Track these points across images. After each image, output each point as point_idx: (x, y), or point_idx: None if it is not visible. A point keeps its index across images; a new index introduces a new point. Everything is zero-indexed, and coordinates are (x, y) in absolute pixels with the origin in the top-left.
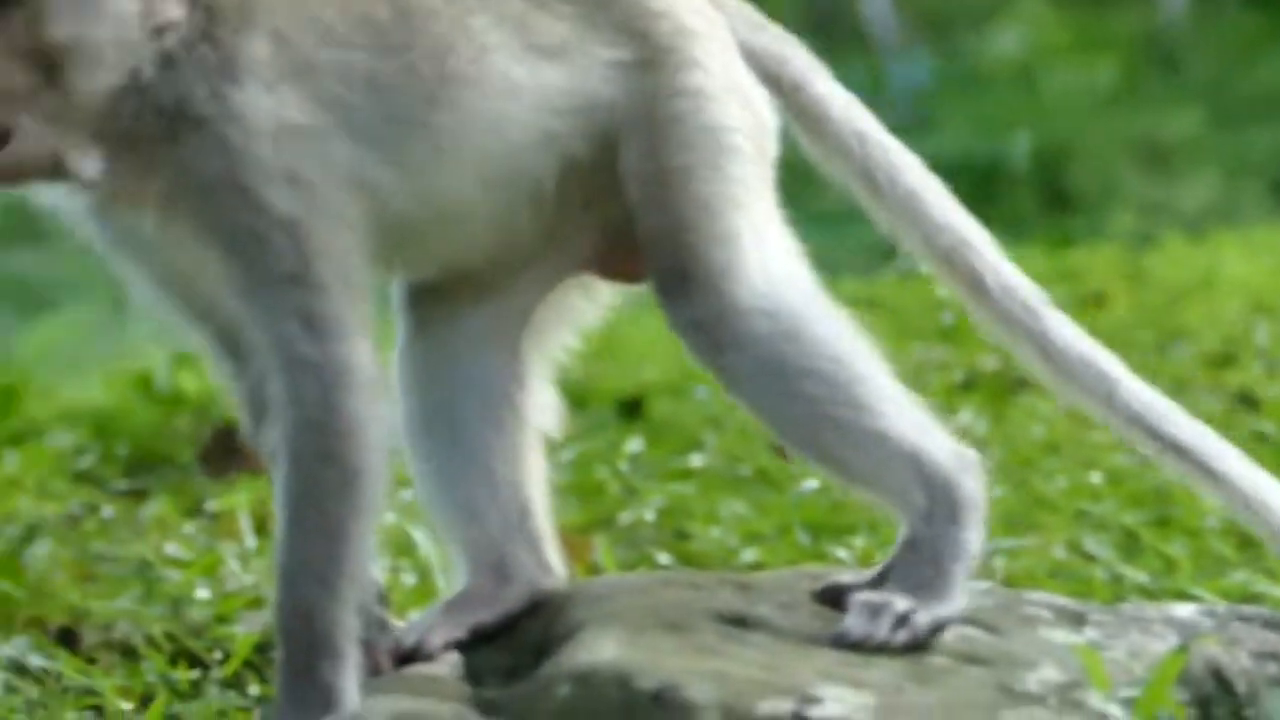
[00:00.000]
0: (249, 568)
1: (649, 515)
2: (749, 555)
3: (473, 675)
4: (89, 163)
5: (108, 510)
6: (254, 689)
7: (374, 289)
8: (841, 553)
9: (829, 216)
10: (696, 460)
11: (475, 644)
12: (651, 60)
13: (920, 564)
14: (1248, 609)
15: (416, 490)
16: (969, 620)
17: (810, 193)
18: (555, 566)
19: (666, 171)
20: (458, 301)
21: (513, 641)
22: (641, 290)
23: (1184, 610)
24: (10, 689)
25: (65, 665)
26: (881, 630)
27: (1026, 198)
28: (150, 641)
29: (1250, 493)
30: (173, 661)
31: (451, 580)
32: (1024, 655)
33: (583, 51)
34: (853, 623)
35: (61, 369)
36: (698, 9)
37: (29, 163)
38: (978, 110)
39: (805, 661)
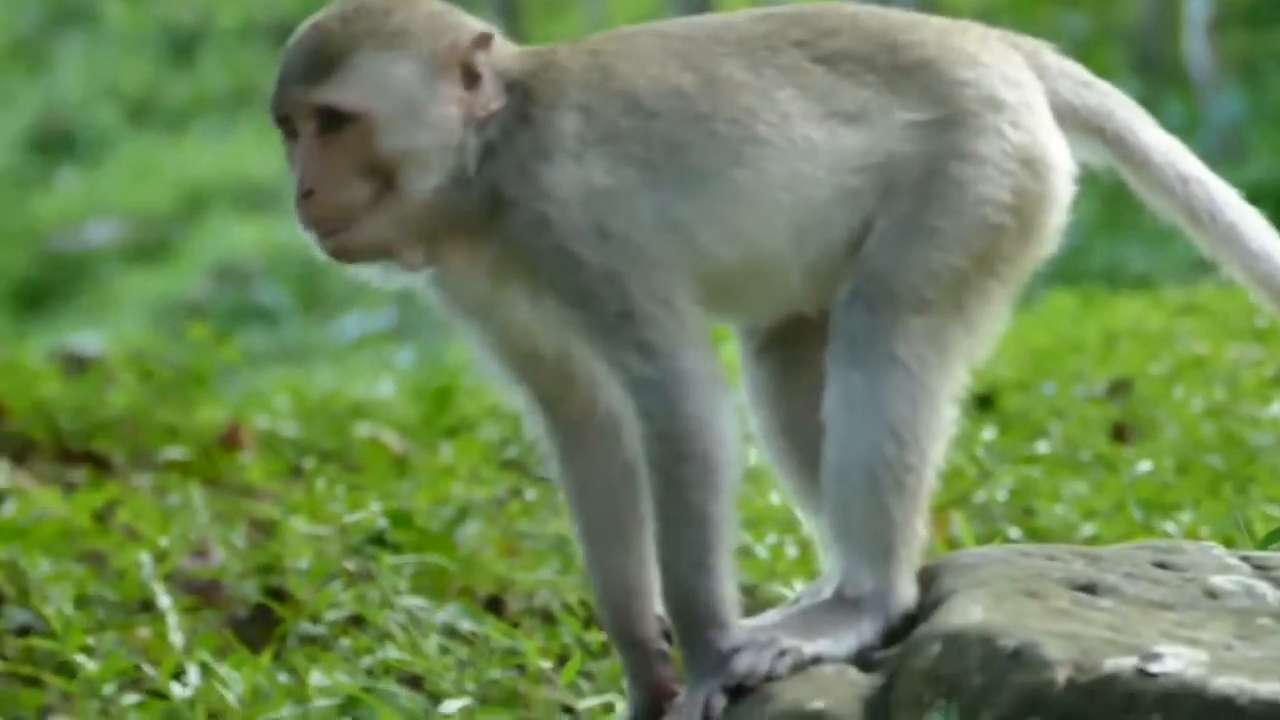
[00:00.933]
0: None
1: (1001, 495)
2: (1088, 530)
3: None
4: (415, 255)
5: (530, 493)
6: None
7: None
8: (1170, 527)
9: (1153, 233)
10: (1042, 447)
11: None
12: (950, 120)
13: (826, 615)
14: None
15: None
16: None
17: (1135, 213)
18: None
19: (919, 226)
20: (789, 338)
21: None
22: None
23: None
24: (444, 650)
25: (492, 629)
26: (764, 663)
27: None
28: (567, 608)
29: None
30: (586, 625)
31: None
32: None
33: (884, 114)
34: (740, 659)
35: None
36: (1010, 78)
37: (362, 251)
38: None
39: (1148, 624)
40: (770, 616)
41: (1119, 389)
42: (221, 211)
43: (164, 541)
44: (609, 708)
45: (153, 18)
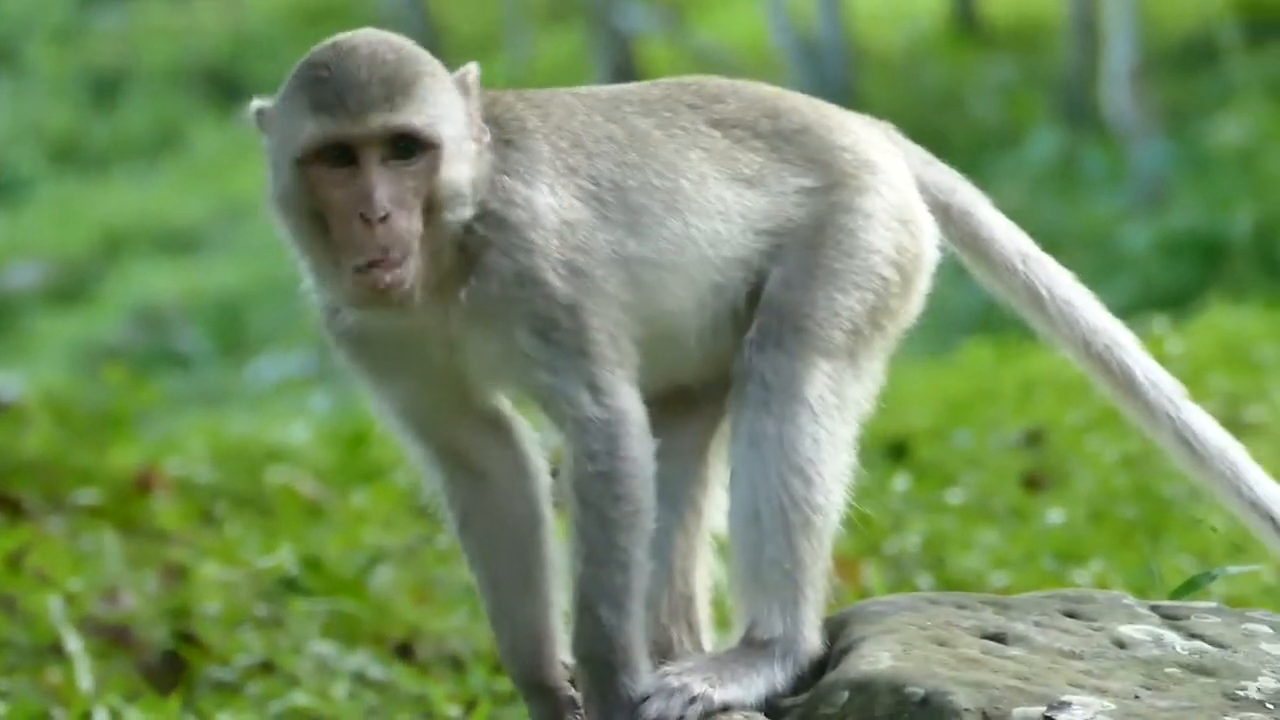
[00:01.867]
0: None
1: (912, 544)
2: (1000, 579)
3: None
4: (416, 289)
5: (442, 540)
6: None
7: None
8: (1082, 576)
9: None
10: (955, 496)
11: None
12: (834, 184)
13: (735, 660)
14: None
15: None
16: (1197, 635)
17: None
18: (708, 649)
19: (819, 267)
20: (663, 411)
21: None
22: (906, 344)
23: None
24: (353, 696)
25: (402, 675)
26: (674, 710)
27: (1247, 265)
28: (477, 654)
29: None
30: (495, 671)
31: None
32: (1246, 666)
33: (778, 179)
34: (650, 706)
35: None
36: (879, 145)
37: (413, 288)
38: (1206, 190)
39: (1057, 672)
40: (680, 662)
41: (1034, 439)
42: (142, 255)
43: (75, 585)
44: None
45: (76, 60)
